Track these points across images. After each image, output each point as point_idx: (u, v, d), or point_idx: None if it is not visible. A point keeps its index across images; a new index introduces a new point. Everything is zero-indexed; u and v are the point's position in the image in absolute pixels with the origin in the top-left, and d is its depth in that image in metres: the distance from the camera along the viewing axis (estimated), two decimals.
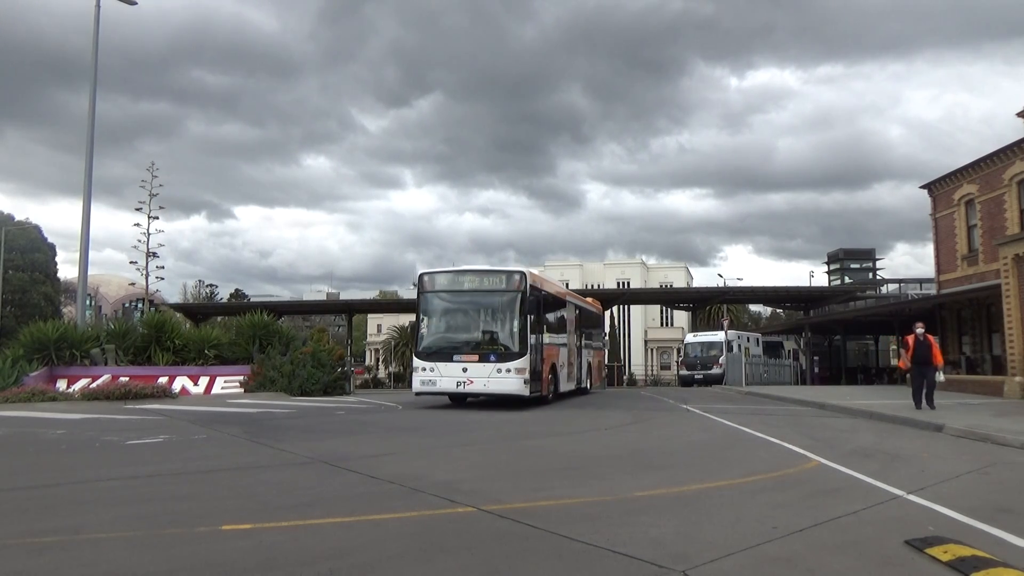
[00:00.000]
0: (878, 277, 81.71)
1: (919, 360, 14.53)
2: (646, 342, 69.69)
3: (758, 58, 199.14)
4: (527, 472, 7.40)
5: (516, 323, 15.26)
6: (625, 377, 46.30)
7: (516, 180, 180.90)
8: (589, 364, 23.06)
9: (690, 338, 40.85)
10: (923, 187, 29.07)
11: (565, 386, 19.02)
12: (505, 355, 15.05)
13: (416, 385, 15.61)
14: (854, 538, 4.67)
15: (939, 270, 28.20)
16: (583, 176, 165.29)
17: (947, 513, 5.43)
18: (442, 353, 15.46)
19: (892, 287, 66.80)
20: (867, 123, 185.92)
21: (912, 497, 6.04)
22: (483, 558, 4.10)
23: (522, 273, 15.72)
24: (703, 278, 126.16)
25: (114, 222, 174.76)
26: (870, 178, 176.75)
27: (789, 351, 46.13)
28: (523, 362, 14.99)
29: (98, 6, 22.93)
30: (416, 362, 15.76)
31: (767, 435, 10.76)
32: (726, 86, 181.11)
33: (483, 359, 15.09)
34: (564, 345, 18.99)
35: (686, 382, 36.81)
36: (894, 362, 42.54)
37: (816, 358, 39.64)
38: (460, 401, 17.07)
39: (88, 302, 32.33)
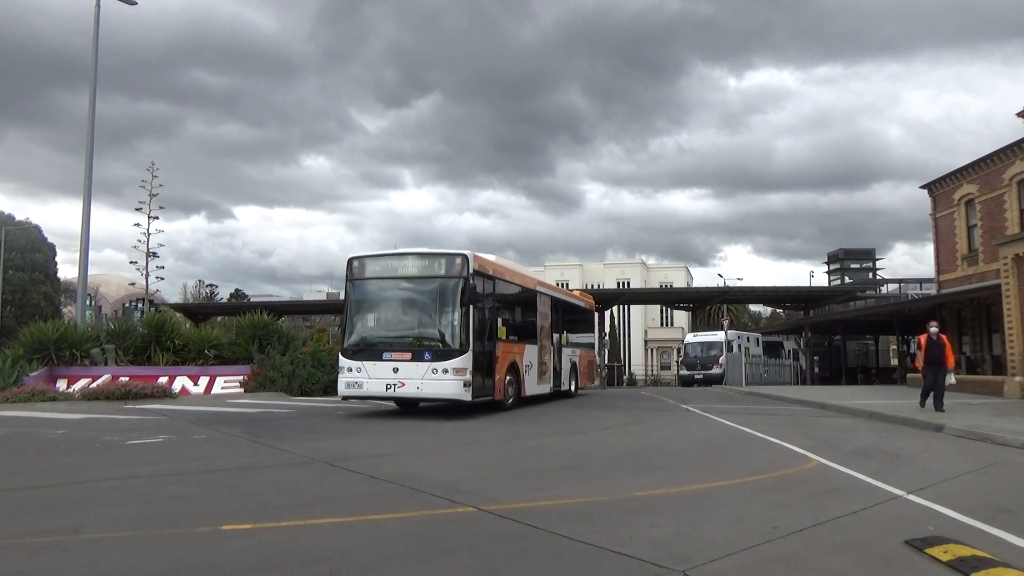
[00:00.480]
0: (878, 277, 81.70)
1: (932, 360, 14.33)
2: (646, 342, 69.71)
3: (756, 58, 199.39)
4: (527, 472, 7.40)
5: (456, 315, 13.04)
6: (625, 377, 46.32)
7: (515, 180, 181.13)
8: (573, 364, 20.83)
9: (690, 338, 40.88)
10: (923, 187, 29.10)
11: (535, 389, 16.92)
12: (442, 353, 12.90)
13: (341, 388, 13.64)
14: (854, 538, 4.67)
15: (939, 270, 28.22)
16: (582, 176, 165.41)
17: (947, 513, 5.43)
18: (371, 351, 13.38)
19: (892, 287, 66.88)
20: (866, 123, 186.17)
21: (912, 497, 6.05)
22: (483, 558, 4.11)
23: (464, 256, 13.39)
24: (703, 278, 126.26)
25: (114, 222, 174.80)
26: (869, 178, 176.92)
27: (789, 351, 46.15)
28: (462, 361, 12.83)
29: (98, 6, 22.93)
30: (342, 361, 13.67)
31: (767, 435, 10.76)
32: (724, 86, 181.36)
33: (416, 357, 12.94)
34: (533, 342, 16.89)
35: (686, 382, 36.82)
36: (894, 362, 42.60)
37: (816, 358, 39.64)
38: (410, 407, 15.04)
39: (88, 302, 32.35)
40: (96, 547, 4.28)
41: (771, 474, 7.29)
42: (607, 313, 46.67)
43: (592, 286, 61.35)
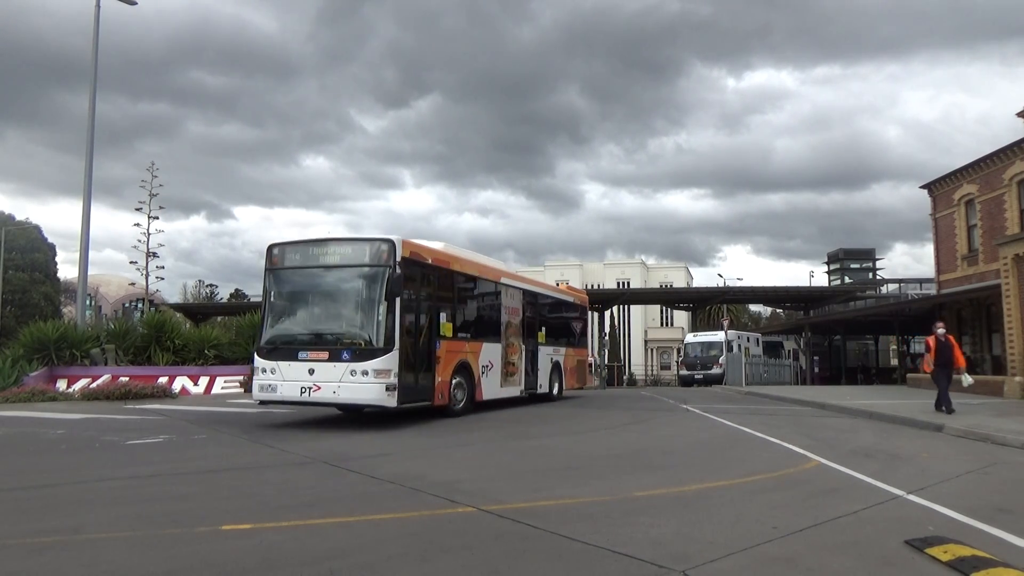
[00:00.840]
0: (878, 277, 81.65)
1: (943, 362, 14.04)
2: (646, 342, 69.71)
3: (755, 59, 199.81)
4: (527, 472, 7.40)
5: (380, 308, 11.43)
6: (625, 377, 46.33)
7: (515, 180, 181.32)
8: (556, 363, 19.09)
9: (690, 338, 40.85)
10: (923, 187, 29.09)
11: (497, 392, 15.34)
12: (363, 352, 11.30)
13: (255, 391, 12.07)
14: (854, 538, 4.67)
15: (939, 270, 28.20)
16: (581, 176, 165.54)
17: (947, 513, 5.43)
18: (286, 349, 11.84)
19: (892, 287, 66.82)
20: (864, 124, 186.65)
21: (912, 497, 6.04)
22: (483, 558, 4.11)
23: (389, 242, 11.83)
24: (703, 278, 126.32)
25: (114, 222, 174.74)
26: (868, 178, 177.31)
27: (789, 351, 46.13)
28: (385, 361, 11.19)
29: (98, 6, 22.93)
30: (256, 360, 12.07)
31: (767, 435, 10.76)
32: (723, 87, 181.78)
33: (334, 357, 11.37)
34: (495, 340, 15.37)
35: (686, 382, 36.80)
36: (894, 362, 42.59)
37: (816, 358, 39.63)
38: (355, 411, 13.50)
39: (88, 302, 32.31)
40: (96, 547, 4.28)
41: (771, 474, 7.29)
42: (607, 313, 46.69)
43: (592, 286, 61.38)
